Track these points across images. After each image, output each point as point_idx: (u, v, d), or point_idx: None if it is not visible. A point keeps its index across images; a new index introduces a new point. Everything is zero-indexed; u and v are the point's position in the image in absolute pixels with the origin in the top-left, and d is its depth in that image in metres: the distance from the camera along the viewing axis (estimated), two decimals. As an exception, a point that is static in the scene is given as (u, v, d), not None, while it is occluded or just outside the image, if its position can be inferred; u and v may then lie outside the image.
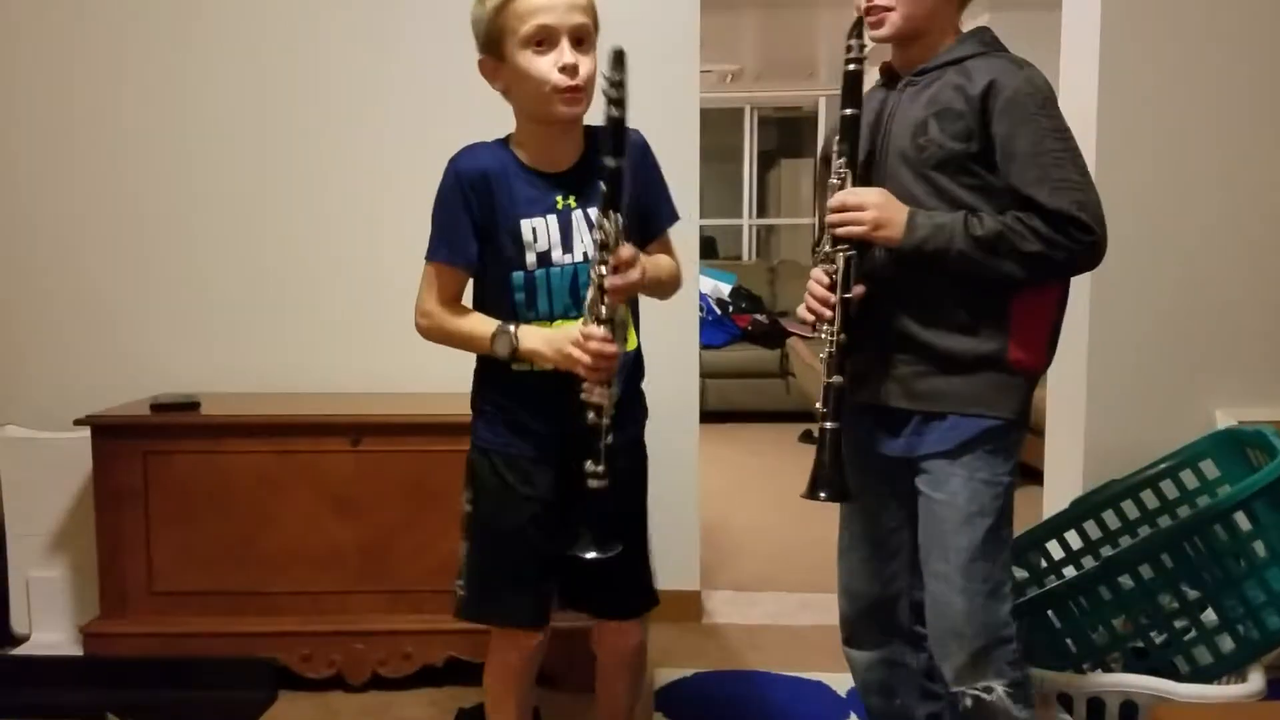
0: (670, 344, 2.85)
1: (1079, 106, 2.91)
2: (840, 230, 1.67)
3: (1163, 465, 2.48)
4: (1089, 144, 2.86)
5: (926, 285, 1.70)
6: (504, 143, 1.80)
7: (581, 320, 1.69)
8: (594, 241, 1.68)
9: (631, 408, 1.86)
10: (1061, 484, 2.98)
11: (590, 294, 1.68)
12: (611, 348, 1.66)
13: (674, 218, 1.89)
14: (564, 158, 1.77)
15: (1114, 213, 2.84)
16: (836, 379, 1.67)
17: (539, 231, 1.74)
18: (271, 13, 2.93)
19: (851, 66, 1.69)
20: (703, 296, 6.68)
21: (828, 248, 1.70)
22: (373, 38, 2.92)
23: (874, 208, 1.66)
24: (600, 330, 1.66)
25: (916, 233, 1.65)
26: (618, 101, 1.62)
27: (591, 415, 1.67)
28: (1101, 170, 2.82)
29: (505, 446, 1.83)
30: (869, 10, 1.71)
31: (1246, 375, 2.87)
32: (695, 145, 2.94)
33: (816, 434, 1.70)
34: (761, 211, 9.47)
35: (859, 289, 1.69)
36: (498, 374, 1.80)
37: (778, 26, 7.42)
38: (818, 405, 1.68)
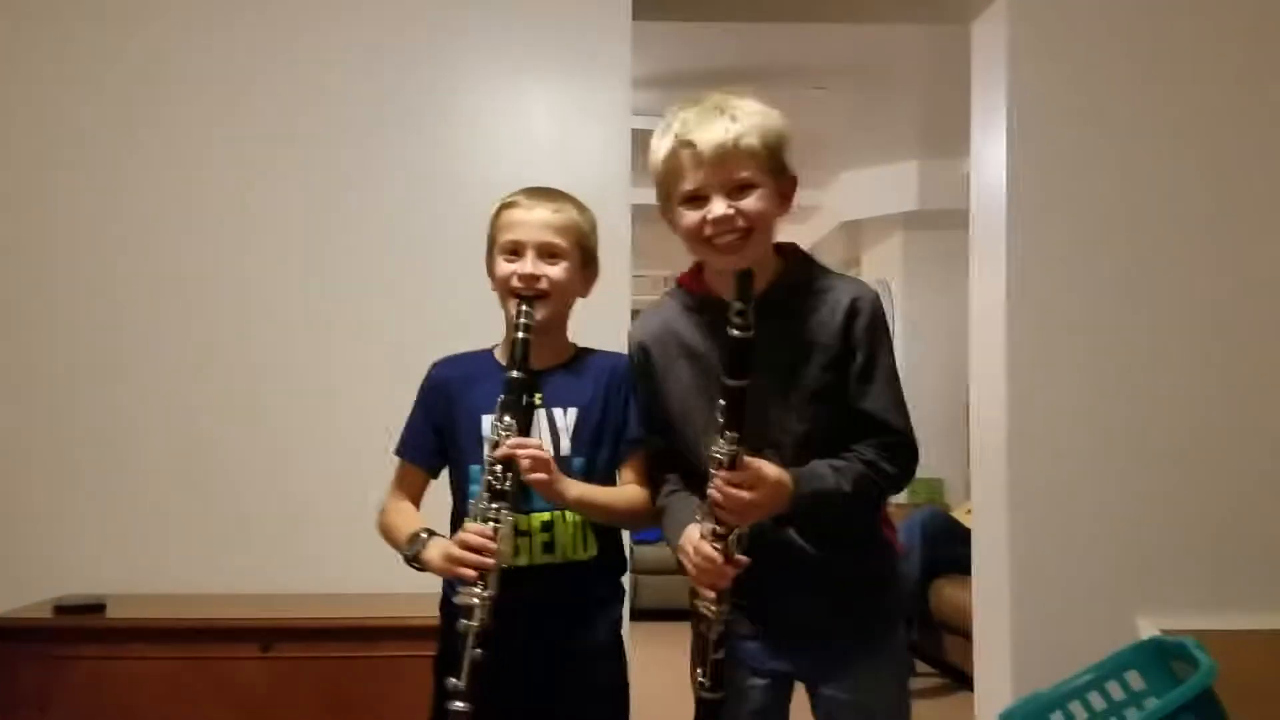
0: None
1: (989, 316, 3.05)
2: (734, 520, 1.55)
3: (1088, 677, 2.47)
4: (998, 354, 2.98)
5: (819, 524, 1.67)
6: (489, 350, 1.89)
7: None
8: (488, 441, 1.70)
9: (581, 632, 1.78)
10: (992, 689, 2.96)
11: (480, 492, 1.68)
12: (480, 542, 1.62)
13: (639, 434, 1.86)
14: (538, 359, 1.79)
15: (1026, 420, 2.98)
16: (720, 654, 1.60)
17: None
18: (205, 197, 2.97)
19: (739, 334, 1.48)
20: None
21: (711, 525, 1.56)
22: (312, 239, 2.98)
23: (763, 493, 1.54)
24: (477, 526, 1.64)
25: (802, 503, 1.60)
26: (524, 326, 1.72)
27: (461, 621, 1.62)
28: (1013, 379, 2.94)
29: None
30: (720, 232, 1.63)
31: (1167, 583, 2.91)
32: (626, 345, 3.00)
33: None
34: (696, 407, 9.58)
35: (744, 560, 1.58)
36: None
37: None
38: (699, 676, 1.62)
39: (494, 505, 1.66)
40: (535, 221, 1.81)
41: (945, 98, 4.12)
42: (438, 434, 1.85)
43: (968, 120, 3.28)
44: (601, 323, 2.76)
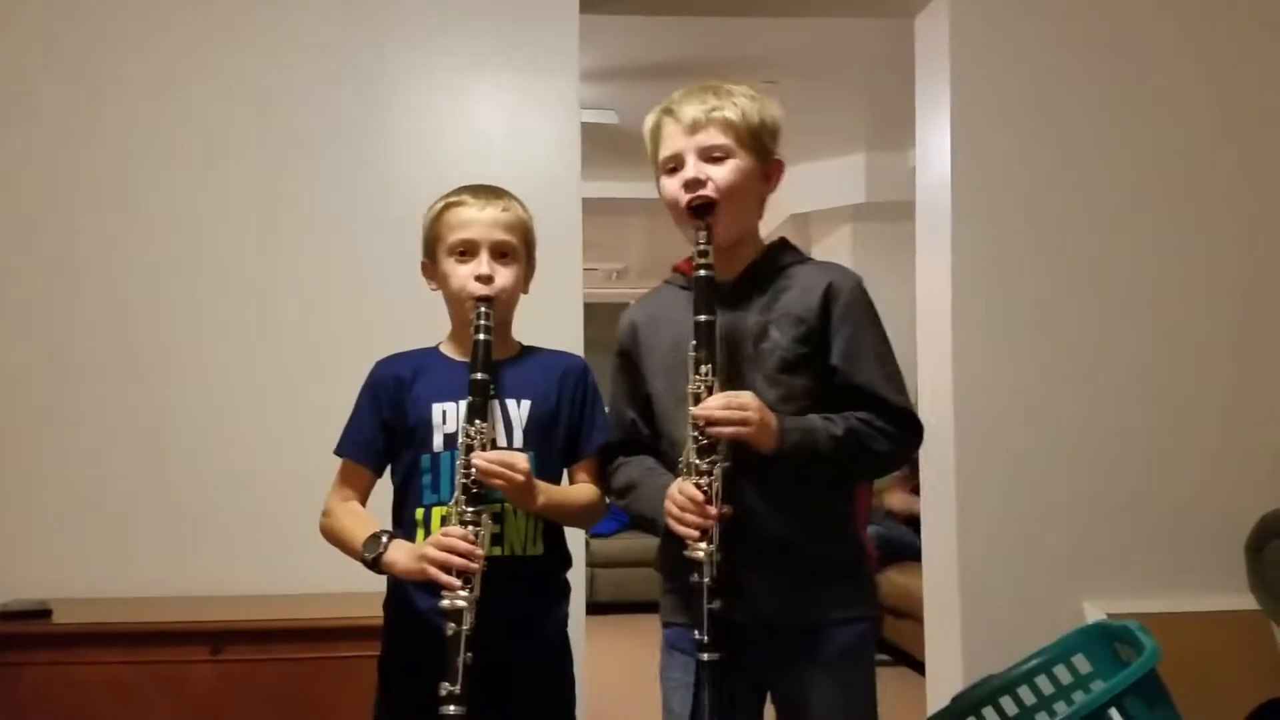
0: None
1: (934, 306, 3.09)
2: (729, 430, 1.56)
3: (1036, 661, 2.51)
4: (945, 344, 3.02)
5: (794, 489, 1.65)
6: (434, 347, 1.89)
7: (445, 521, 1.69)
8: (461, 445, 1.70)
9: (528, 629, 1.78)
10: (943, 673, 3.00)
11: (455, 494, 1.68)
12: (465, 546, 1.63)
13: (603, 442, 1.88)
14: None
15: (973, 409, 3.02)
16: (717, 604, 1.55)
17: (449, 414, 1.78)
18: (150, 204, 2.92)
19: (703, 271, 1.64)
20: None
21: (694, 458, 1.58)
22: (265, 243, 2.95)
23: (756, 410, 1.58)
24: (459, 529, 1.64)
25: (789, 436, 1.60)
26: (485, 329, 1.73)
27: (450, 625, 1.62)
28: (959, 369, 2.97)
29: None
30: (692, 197, 1.68)
31: (1112, 568, 2.97)
32: (580, 338, 3.00)
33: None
34: (648, 401, 9.63)
35: (728, 509, 1.58)
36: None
37: (658, 230, 7.75)
38: (696, 635, 1.57)
39: (470, 508, 1.66)
40: (487, 220, 1.81)
41: (891, 91, 4.15)
42: (385, 430, 1.83)
43: (913, 113, 3.32)
44: (554, 316, 2.77)
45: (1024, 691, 2.49)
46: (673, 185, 1.71)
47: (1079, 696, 2.41)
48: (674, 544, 1.62)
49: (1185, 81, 3.12)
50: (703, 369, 1.60)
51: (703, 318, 1.62)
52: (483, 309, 1.75)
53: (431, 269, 1.87)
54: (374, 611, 1.86)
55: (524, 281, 1.88)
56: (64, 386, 2.87)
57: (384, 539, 1.73)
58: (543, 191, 2.90)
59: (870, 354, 1.68)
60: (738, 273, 1.74)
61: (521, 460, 1.70)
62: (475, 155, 2.96)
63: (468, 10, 3.00)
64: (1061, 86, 3.09)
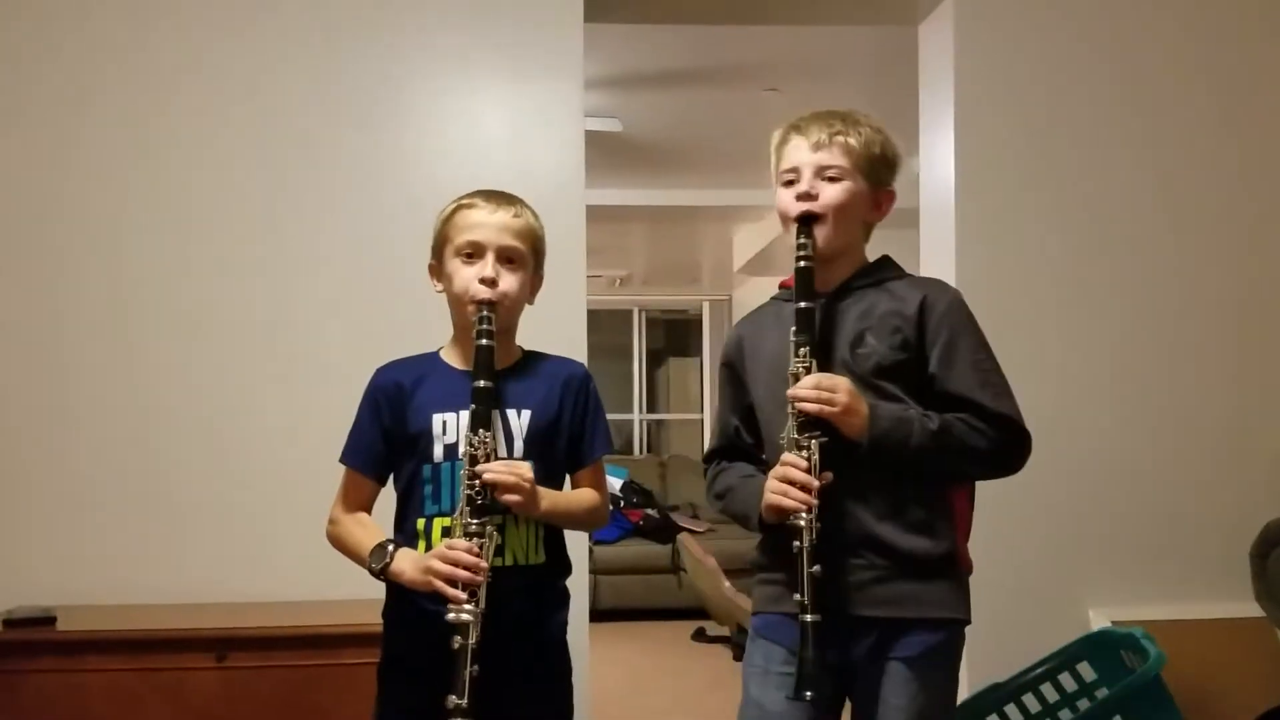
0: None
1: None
2: (813, 408, 1.64)
3: (1041, 669, 2.52)
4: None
5: (885, 483, 1.69)
6: (435, 352, 1.88)
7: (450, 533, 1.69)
8: (465, 456, 1.69)
9: (529, 637, 1.77)
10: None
11: (460, 506, 1.68)
12: (470, 560, 1.63)
13: (605, 450, 1.90)
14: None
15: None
16: (817, 568, 1.61)
17: (449, 425, 1.77)
18: (145, 205, 2.91)
19: (803, 264, 1.72)
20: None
21: (795, 434, 1.66)
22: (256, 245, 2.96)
23: (846, 393, 1.65)
24: (465, 543, 1.64)
25: (880, 423, 1.65)
26: (486, 333, 1.73)
27: (456, 639, 1.61)
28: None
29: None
30: (802, 210, 1.75)
31: (1117, 575, 2.96)
32: (584, 344, 3.00)
33: (802, 628, 1.61)
34: (651, 407, 9.64)
35: (828, 475, 1.65)
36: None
37: (661, 236, 7.77)
38: (796, 596, 1.62)
39: (475, 520, 1.66)
40: (496, 224, 1.80)
41: (894, 98, 4.15)
42: (387, 439, 1.82)
43: (917, 120, 3.32)
44: (558, 322, 2.78)
45: (1029, 699, 2.50)
46: (787, 196, 1.78)
47: (1084, 704, 2.42)
48: (771, 535, 1.71)
49: (1189, 89, 3.12)
50: (801, 351, 1.68)
51: (803, 304, 1.70)
52: (485, 313, 1.73)
53: (438, 270, 1.86)
54: (377, 618, 1.85)
55: (530, 291, 1.86)
56: (68, 393, 2.87)
57: (390, 548, 1.73)
58: (547, 198, 2.89)
59: (966, 361, 1.71)
60: (837, 284, 1.79)
61: (526, 469, 1.70)
62: (480, 162, 2.96)
63: (473, 19, 3.01)
64: (1065, 94, 3.09)
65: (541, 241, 1.88)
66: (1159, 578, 2.98)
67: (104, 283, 2.89)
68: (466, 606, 1.62)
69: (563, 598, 1.87)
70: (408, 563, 1.71)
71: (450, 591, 1.62)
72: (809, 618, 1.61)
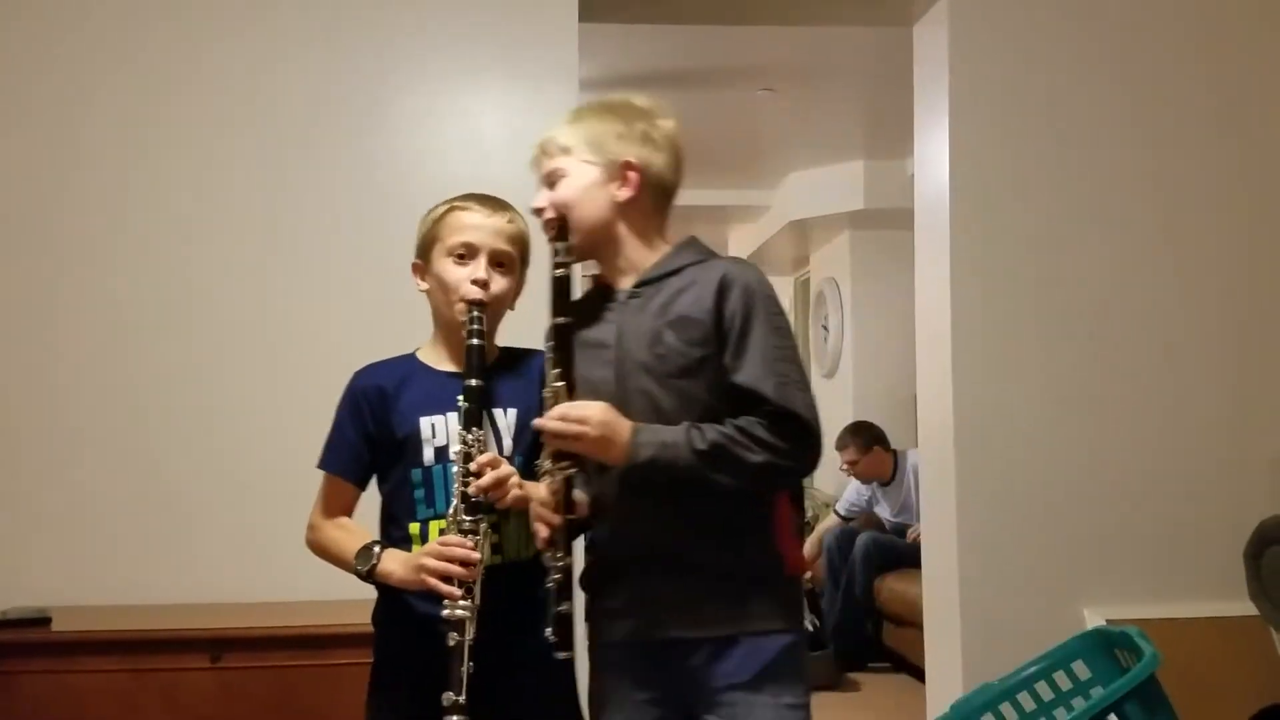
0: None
1: (933, 313, 3.09)
2: (560, 445, 1.58)
3: (1035, 667, 2.51)
4: (944, 351, 3.02)
5: (687, 498, 1.60)
6: (412, 354, 1.87)
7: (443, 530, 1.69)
8: (457, 454, 1.69)
9: (526, 632, 1.74)
10: (943, 680, 3.00)
11: (453, 503, 1.68)
12: (464, 554, 1.63)
13: None
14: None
15: (972, 416, 3.02)
16: (565, 606, 1.58)
17: (438, 428, 1.76)
18: (143, 205, 2.91)
19: (559, 271, 1.66)
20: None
21: (548, 464, 1.61)
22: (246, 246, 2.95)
23: (596, 425, 1.56)
24: (458, 538, 1.64)
25: (641, 451, 1.56)
26: (477, 333, 1.72)
27: (453, 635, 1.61)
28: (959, 376, 2.98)
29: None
30: (545, 221, 1.73)
31: (1111, 574, 2.97)
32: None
33: None
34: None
35: (581, 507, 1.62)
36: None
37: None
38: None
39: (469, 517, 1.65)
40: (491, 228, 1.80)
41: (889, 99, 4.16)
42: (370, 444, 1.81)
43: (911, 121, 3.33)
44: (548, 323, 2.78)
45: (1024, 698, 2.50)
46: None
47: (1079, 703, 2.41)
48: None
49: (1185, 91, 3.13)
50: (554, 373, 1.63)
51: (559, 320, 1.65)
52: (475, 313, 1.74)
53: (423, 269, 1.86)
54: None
55: (514, 297, 1.86)
56: (61, 393, 2.86)
57: (376, 549, 1.73)
58: (542, 199, 2.91)
59: (756, 351, 1.60)
60: (636, 277, 1.73)
61: (506, 465, 1.69)
62: (475, 163, 2.95)
63: (467, 20, 3.00)
64: (1060, 95, 3.09)
65: (529, 250, 1.88)
66: (1154, 577, 2.99)
67: (99, 283, 2.89)
68: (462, 602, 1.62)
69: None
70: (396, 563, 1.70)
71: (444, 588, 1.62)
72: (563, 655, 1.59)
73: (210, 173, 2.93)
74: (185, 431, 2.87)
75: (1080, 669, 2.50)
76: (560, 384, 1.62)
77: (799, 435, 1.59)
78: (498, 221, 1.81)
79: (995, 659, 2.59)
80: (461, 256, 1.79)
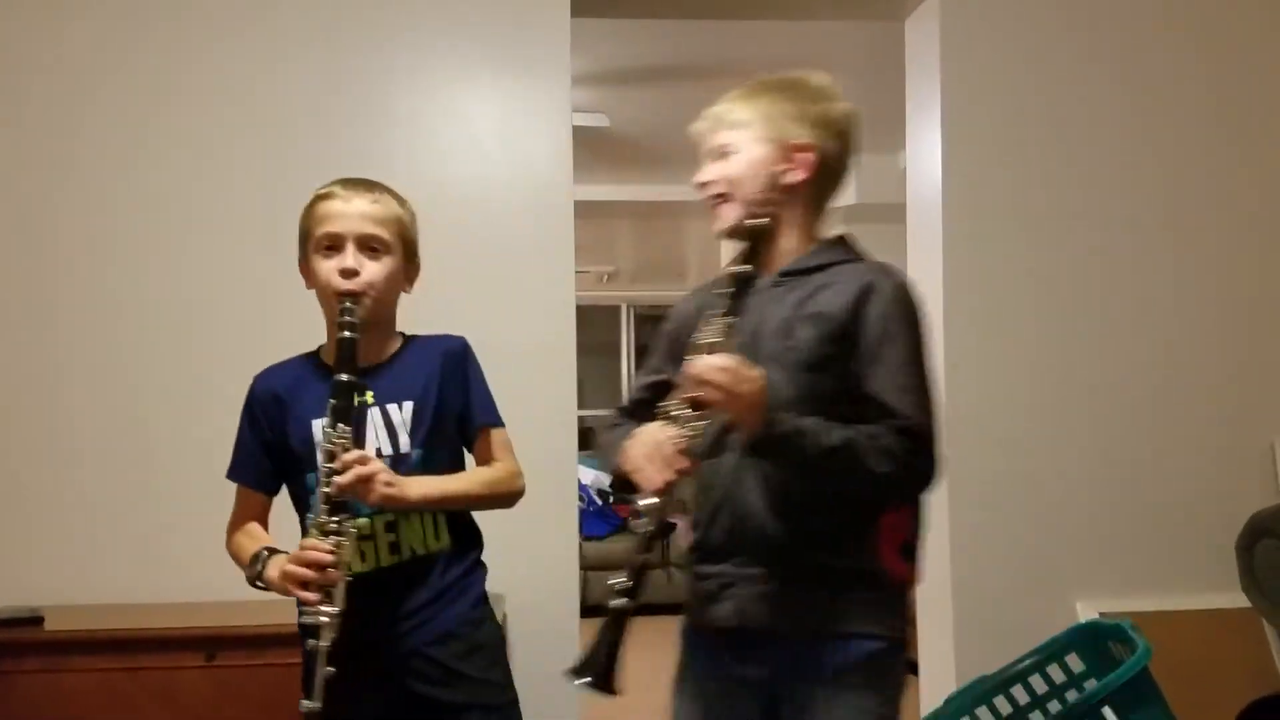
0: (550, 535, 2.81)
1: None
2: (708, 394, 1.47)
3: (1029, 661, 2.52)
4: (936, 344, 3.01)
5: (797, 493, 1.57)
6: (315, 351, 1.83)
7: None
8: (322, 450, 1.64)
9: (439, 619, 1.73)
10: (937, 673, 3.01)
11: (318, 504, 1.62)
12: (318, 557, 1.58)
13: (488, 418, 1.82)
14: (365, 357, 1.73)
15: (964, 410, 3.03)
16: (648, 557, 1.52)
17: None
18: (119, 213, 2.90)
19: (755, 223, 1.64)
20: (583, 487, 6.67)
21: (683, 410, 1.50)
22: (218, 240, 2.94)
23: (756, 386, 1.48)
24: (317, 542, 1.59)
25: (778, 426, 1.50)
26: (349, 325, 1.67)
27: (309, 641, 1.58)
28: (951, 369, 2.98)
29: None
30: (710, 199, 1.70)
31: (1104, 567, 2.98)
32: (572, 340, 2.99)
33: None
34: (640, 403, 9.63)
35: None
36: None
37: (649, 232, 7.77)
38: (614, 580, 1.52)
39: (334, 518, 1.60)
40: (354, 213, 1.73)
41: (881, 94, 4.15)
42: (269, 451, 1.78)
43: (904, 116, 3.33)
44: (546, 318, 2.78)
45: (1018, 691, 2.50)
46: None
47: (1072, 695, 2.42)
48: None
49: (1179, 83, 3.13)
50: (724, 320, 1.55)
51: (739, 269, 1.62)
52: (347, 304, 1.67)
53: (304, 268, 1.80)
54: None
55: (404, 279, 1.79)
56: (54, 392, 2.86)
57: (264, 554, 1.70)
58: (535, 194, 2.91)
59: (892, 362, 1.57)
60: (778, 268, 1.69)
61: (374, 462, 1.63)
62: (468, 159, 2.95)
63: (459, 15, 3.00)
64: (1052, 89, 3.10)
65: (409, 227, 1.80)
66: (1146, 569, 3.00)
67: (98, 283, 2.89)
68: (322, 608, 1.57)
69: (470, 572, 1.81)
70: (274, 569, 1.67)
71: (301, 594, 1.58)
72: (617, 604, 1.51)
73: (209, 173, 2.92)
74: (178, 430, 2.86)
75: (1073, 662, 2.51)
76: (722, 336, 1.52)
77: (923, 453, 1.57)
78: (360, 205, 1.73)
79: (988, 652, 2.60)
80: (329, 248, 1.73)
